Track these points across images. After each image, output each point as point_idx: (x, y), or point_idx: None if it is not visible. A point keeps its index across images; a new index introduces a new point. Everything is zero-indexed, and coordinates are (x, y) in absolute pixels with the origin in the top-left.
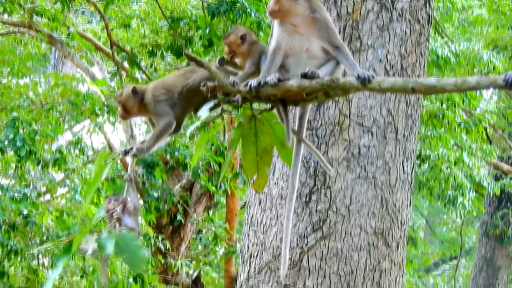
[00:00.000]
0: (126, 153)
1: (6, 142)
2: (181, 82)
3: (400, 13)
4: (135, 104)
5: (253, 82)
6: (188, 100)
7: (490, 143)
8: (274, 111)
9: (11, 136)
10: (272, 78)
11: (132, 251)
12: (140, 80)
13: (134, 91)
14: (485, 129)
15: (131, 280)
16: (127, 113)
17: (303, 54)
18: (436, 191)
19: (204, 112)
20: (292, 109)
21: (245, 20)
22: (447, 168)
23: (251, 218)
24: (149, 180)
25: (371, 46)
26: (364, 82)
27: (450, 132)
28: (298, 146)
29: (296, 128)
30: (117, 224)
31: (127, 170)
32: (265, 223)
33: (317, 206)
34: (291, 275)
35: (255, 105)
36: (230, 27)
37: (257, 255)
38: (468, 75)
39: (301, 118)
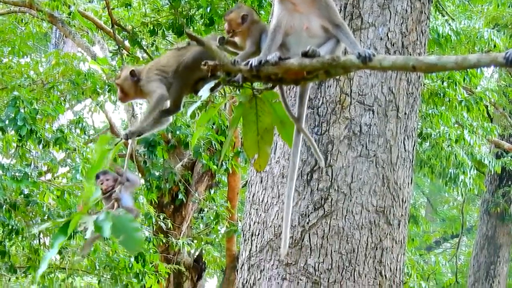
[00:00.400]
0: (127, 137)
1: (7, 121)
2: (175, 60)
3: None
4: (132, 87)
5: (254, 61)
6: (185, 78)
7: (491, 121)
8: (276, 89)
9: (12, 115)
10: (273, 56)
11: (128, 233)
12: (141, 59)
13: (132, 73)
14: (486, 107)
15: (132, 259)
16: (125, 96)
17: (303, 32)
18: (437, 169)
19: (205, 92)
20: (292, 88)
21: None
22: (448, 146)
23: (253, 197)
24: (151, 159)
25: (372, 24)
26: (365, 61)
27: (451, 110)
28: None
29: (296, 107)
30: (116, 205)
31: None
32: (267, 201)
33: (318, 185)
34: (293, 254)
35: (256, 85)
36: (231, 5)
37: (258, 233)
38: (469, 53)
39: (302, 97)
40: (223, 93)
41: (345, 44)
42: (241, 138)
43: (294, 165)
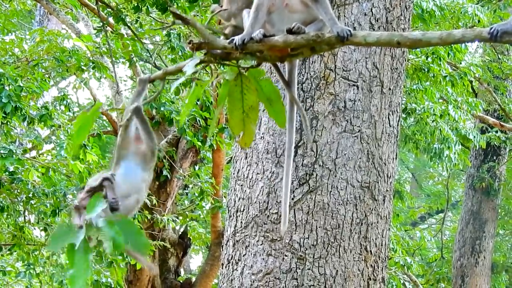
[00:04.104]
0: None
1: None
2: None
3: None
4: None
5: (238, 39)
6: None
7: (476, 96)
8: (264, 67)
9: None
10: (257, 34)
11: (135, 236)
12: (125, 35)
13: None
14: (471, 82)
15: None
16: None
17: (284, 9)
18: (422, 144)
19: (189, 68)
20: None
21: None
22: (433, 122)
23: (237, 173)
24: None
25: (356, 0)
26: (343, 40)
27: (435, 85)
28: (291, 102)
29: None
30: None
31: (112, 125)
32: (252, 177)
33: (303, 161)
34: (278, 229)
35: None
36: None
37: (243, 209)
38: (453, 28)
39: (290, 73)
40: (208, 71)
41: (324, 19)
42: (226, 115)
43: (290, 142)
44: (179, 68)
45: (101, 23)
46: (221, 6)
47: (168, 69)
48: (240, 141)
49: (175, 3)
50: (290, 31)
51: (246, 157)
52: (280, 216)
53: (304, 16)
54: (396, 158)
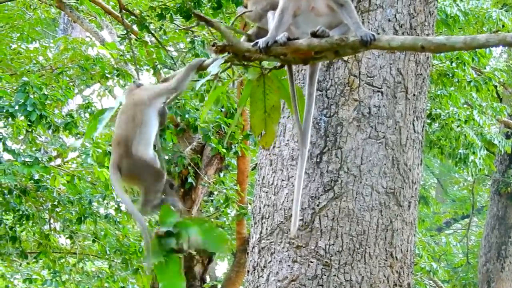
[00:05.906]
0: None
1: (16, 107)
2: None
3: None
4: None
5: (261, 42)
6: None
7: (501, 101)
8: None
9: (22, 101)
10: (281, 37)
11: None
12: (149, 43)
13: None
14: (495, 87)
15: (142, 243)
16: None
17: (311, 13)
18: (447, 149)
19: (214, 67)
20: (301, 70)
21: None
22: (457, 127)
23: (262, 179)
24: (160, 143)
25: (380, 6)
26: (366, 44)
27: (460, 90)
28: (309, 103)
29: (306, 86)
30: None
31: None
32: (276, 184)
33: (328, 167)
34: (303, 236)
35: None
36: None
37: (268, 216)
38: (477, 33)
39: (311, 77)
40: (231, 75)
41: (348, 24)
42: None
43: (304, 144)
44: (203, 68)
45: (125, 31)
46: (246, 7)
47: None
48: (261, 140)
49: (198, 10)
50: (314, 34)
51: (271, 164)
52: (305, 222)
53: (330, 20)
54: (421, 164)
